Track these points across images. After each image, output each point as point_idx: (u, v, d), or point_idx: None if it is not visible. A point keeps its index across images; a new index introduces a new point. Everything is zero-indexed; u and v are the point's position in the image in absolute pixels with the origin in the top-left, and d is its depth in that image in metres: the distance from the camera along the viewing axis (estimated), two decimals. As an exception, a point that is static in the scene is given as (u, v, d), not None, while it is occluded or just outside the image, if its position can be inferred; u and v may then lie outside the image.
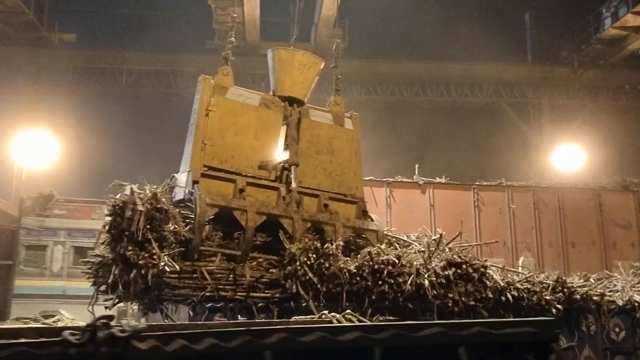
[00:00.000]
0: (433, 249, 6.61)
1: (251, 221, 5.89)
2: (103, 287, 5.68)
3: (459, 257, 6.37)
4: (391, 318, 5.31)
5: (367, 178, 10.69)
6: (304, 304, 5.70)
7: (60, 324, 4.45)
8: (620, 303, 7.00)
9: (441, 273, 6.15)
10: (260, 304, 5.92)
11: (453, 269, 6.20)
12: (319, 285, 5.73)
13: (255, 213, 5.92)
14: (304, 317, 4.17)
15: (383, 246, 6.43)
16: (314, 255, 5.78)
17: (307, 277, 5.70)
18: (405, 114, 24.02)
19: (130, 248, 5.28)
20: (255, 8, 19.82)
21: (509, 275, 6.87)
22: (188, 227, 5.82)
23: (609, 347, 6.92)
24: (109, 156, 20.03)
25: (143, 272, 5.25)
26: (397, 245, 7.06)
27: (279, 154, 6.53)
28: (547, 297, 6.56)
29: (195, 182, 5.84)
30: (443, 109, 24.41)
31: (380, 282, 5.90)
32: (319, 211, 6.48)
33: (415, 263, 6.16)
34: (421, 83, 23.67)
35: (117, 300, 5.64)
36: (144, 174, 5.84)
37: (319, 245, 5.87)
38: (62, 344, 2.42)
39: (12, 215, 15.10)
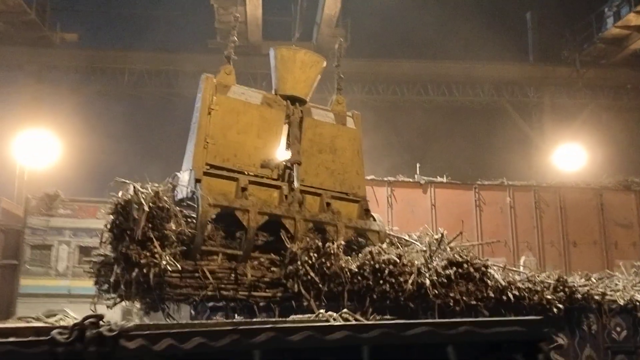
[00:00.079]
0: (434, 248, 6.62)
1: (253, 221, 5.89)
2: (105, 286, 5.69)
3: (460, 256, 6.38)
4: (388, 317, 5.34)
5: (368, 177, 10.70)
6: (306, 303, 5.70)
7: (62, 324, 4.45)
8: (622, 302, 7.01)
9: (442, 272, 6.15)
10: (261, 304, 5.92)
11: (454, 269, 6.21)
12: (320, 285, 5.74)
13: (257, 213, 5.92)
14: (300, 316, 4.17)
15: (384, 245, 6.44)
16: (315, 255, 5.78)
17: (309, 277, 5.70)
18: (406, 113, 24.02)
19: (132, 247, 5.29)
20: (258, 7, 19.83)
21: (510, 274, 6.87)
22: (189, 225, 5.83)
23: (611, 346, 6.93)
24: (110, 155, 20.04)
25: (145, 271, 5.26)
26: (398, 245, 7.06)
27: (281, 153, 6.53)
28: (548, 297, 6.56)
29: (197, 181, 5.85)
30: (444, 109, 24.39)
31: (381, 282, 5.90)
32: (321, 210, 6.48)
33: (416, 262, 6.17)
34: (423, 82, 23.65)
35: (118, 299, 5.65)
36: (145, 173, 5.84)
37: (320, 244, 5.87)
38: (50, 343, 2.43)
39: (17, 215, 15.16)
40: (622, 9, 21.18)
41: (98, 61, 22.75)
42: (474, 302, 6.16)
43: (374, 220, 6.85)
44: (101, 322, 2.53)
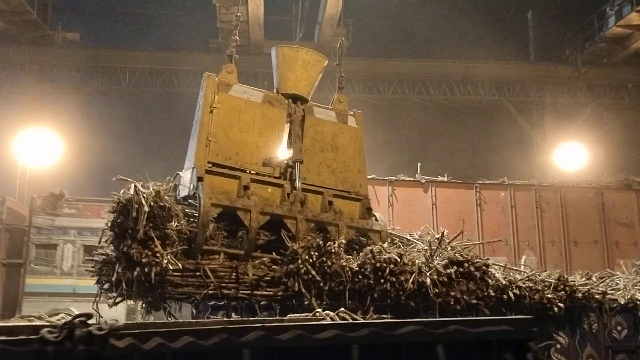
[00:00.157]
0: (435, 247, 6.62)
1: (255, 221, 5.89)
2: (107, 285, 5.71)
3: (461, 255, 6.38)
4: (384, 316, 5.35)
5: (369, 176, 10.70)
6: (306, 302, 5.71)
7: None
8: (622, 301, 7.01)
9: (443, 271, 6.15)
10: (262, 302, 5.93)
11: (455, 268, 6.21)
12: (321, 284, 5.75)
13: (259, 213, 5.93)
14: (297, 315, 4.19)
15: (385, 244, 6.45)
16: (316, 253, 5.79)
17: (310, 275, 5.71)
18: (407, 112, 24.04)
19: (133, 246, 5.30)
20: (260, 7, 19.84)
21: (511, 273, 6.88)
22: (190, 224, 5.84)
23: (611, 345, 6.93)
24: (111, 154, 20.07)
25: (146, 270, 5.27)
26: (400, 244, 7.07)
27: (283, 151, 6.54)
28: (549, 296, 6.57)
29: (200, 179, 5.86)
30: (445, 108, 24.40)
31: (382, 281, 5.90)
32: (323, 209, 6.48)
33: (417, 261, 6.17)
34: (423, 82, 23.65)
35: (120, 298, 5.67)
36: (146, 171, 5.86)
37: (321, 242, 5.88)
38: (39, 341, 2.43)
39: (22, 214, 15.22)
40: (623, 8, 21.18)
41: (100, 60, 22.78)
42: (474, 301, 6.17)
43: (376, 219, 6.86)
44: (90, 321, 2.53)
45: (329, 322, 3.01)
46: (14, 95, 22.65)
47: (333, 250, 5.86)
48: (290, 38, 18.32)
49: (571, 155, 22.99)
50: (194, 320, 4.49)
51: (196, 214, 5.88)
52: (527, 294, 6.48)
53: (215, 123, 6.15)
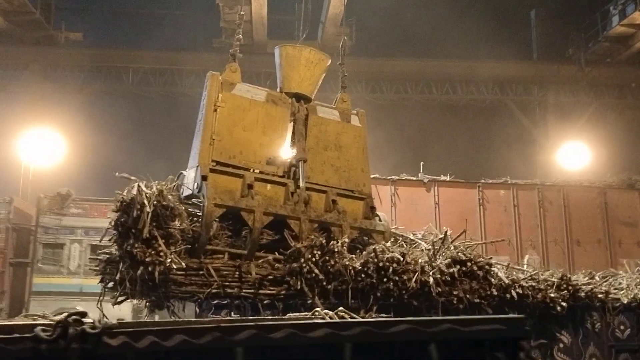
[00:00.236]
0: (438, 246, 6.62)
1: (258, 222, 5.90)
2: (111, 284, 5.72)
3: (464, 254, 6.38)
4: (383, 315, 5.36)
5: (372, 176, 10.69)
6: (310, 301, 5.72)
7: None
8: (625, 301, 7.01)
9: (446, 270, 6.15)
10: (265, 301, 5.94)
11: (458, 267, 6.21)
12: (324, 283, 5.76)
13: (262, 214, 5.94)
14: (296, 314, 4.20)
15: (388, 244, 6.45)
16: (319, 252, 5.80)
17: (313, 274, 5.71)
18: (410, 111, 24.02)
19: (137, 245, 5.32)
20: (263, 6, 19.87)
21: (514, 273, 6.87)
22: (194, 224, 5.85)
23: (614, 344, 6.93)
24: (114, 154, 20.10)
25: (150, 269, 5.28)
26: (403, 243, 7.07)
27: (287, 150, 6.55)
28: (552, 295, 6.57)
29: (204, 177, 5.87)
30: (448, 107, 24.40)
31: (385, 280, 5.91)
32: (326, 208, 6.48)
33: (420, 261, 6.17)
34: (426, 81, 23.65)
35: (123, 297, 5.68)
36: (149, 171, 5.87)
37: (324, 242, 5.89)
38: (33, 339, 2.44)
39: (28, 214, 15.28)
40: (627, 7, 21.16)
41: (103, 60, 22.82)
42: (477, 300, 6.17)
43: (379, 219, 6.86)
44: (84, 320, 2.55)
45: (322, 320, 3.02)
46: (17, 95, 22.71)
47: (336, 250, 5.87)
48: (293, 37, 18.33)
49: (574, 154, 22.97)
50: (187, 319, 4.51)
51: (200, 213, 5.89)
52: (530, 293, 6.48)
53: (219, 122, 6.16)
